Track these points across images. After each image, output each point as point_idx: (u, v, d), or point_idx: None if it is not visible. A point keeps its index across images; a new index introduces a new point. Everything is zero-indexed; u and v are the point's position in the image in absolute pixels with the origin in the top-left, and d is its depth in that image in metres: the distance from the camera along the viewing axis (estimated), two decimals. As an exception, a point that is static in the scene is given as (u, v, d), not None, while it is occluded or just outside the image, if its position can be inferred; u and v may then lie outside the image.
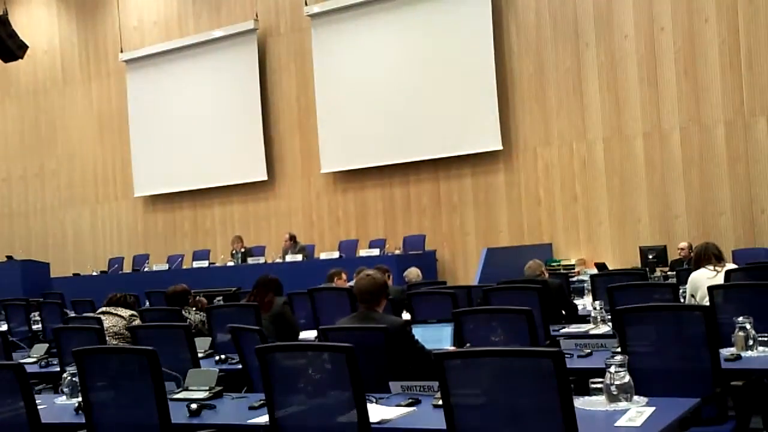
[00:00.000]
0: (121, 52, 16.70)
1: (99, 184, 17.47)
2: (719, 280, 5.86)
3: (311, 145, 14.65)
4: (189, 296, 7.08)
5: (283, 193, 15.15)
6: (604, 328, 5.79)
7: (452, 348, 4.69)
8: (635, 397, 3.36)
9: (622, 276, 7.82)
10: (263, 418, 3.58)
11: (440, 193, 13.65)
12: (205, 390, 4.22)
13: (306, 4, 14.56)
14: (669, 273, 10.12)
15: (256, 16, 15.20)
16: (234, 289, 11.20)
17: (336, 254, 12.61)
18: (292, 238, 13.19)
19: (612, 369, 3.36)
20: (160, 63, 16.25)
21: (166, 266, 14.28)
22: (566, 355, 4.11)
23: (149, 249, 16.11)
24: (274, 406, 3.42)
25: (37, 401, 3.74)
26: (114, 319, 6.50)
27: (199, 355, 5.40)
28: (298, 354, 3.57)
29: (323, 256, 12.83)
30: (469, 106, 13.10)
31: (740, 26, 11.44)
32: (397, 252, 12.67)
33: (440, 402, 3.12)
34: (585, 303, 7.46)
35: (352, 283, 7.35)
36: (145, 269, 14.54)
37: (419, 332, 4.58)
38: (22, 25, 16.07)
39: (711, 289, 5.35)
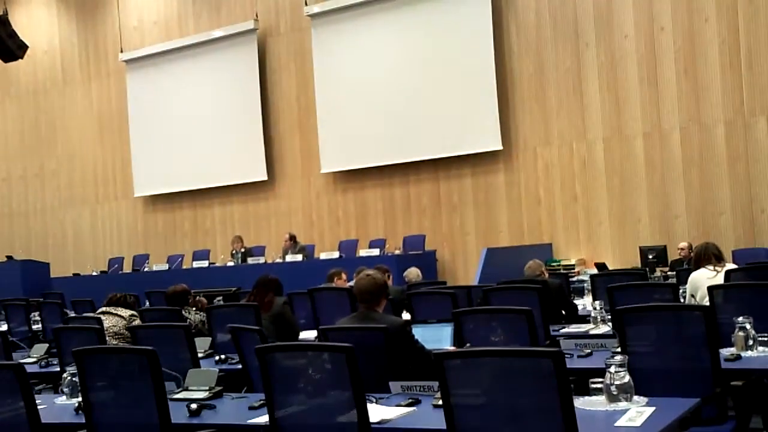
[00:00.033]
0: (121, 52, 16.70)
1: (99, 184, 17.47)
2: (719, 280, 5.86)
3: (311, 145, 14.65)
4: (189, 296, 7.09)
5: (283, 193, 15.15)
6: (604, 328, 5.79)
7: (452, 348, 4.69)
8: (635, 397, 3.35)
9: (622, 276, 7.82)
10: (263, 418, 3.58)
11: (440, 193, 13.65)
12: (205, 390, 4.21)
13: (306, 4, 14.56)
14: (669, 273, 10.12)
15: (256, 16, 15.20)
16: (234, 289, 11.18)
17: (336, 254, 12.61)
18: (292, 238, 13.19)
19: (612, 369, 3.36)
20: (160, 63, 16.25)
21: (166, 266, 14.28)
22: (566, 355, 4.11)
23: (149, 249, 16.11)
24: (274, 406, 3.42)
25: (37, 401, 3.73)
26: (114, 319, 6.51)
27: (199, 355, 5.40)
28: (298, 354, 3.57)
29: (323, 256, 12.83)
30: (469, 106, 13.09)
31: (740, 26, 11.44)
32: (397, 252, 12.66)
33: (440, 402, 3.12)
34: (585, 303, 7.45)
35: (352, 283, 7.34)
36: (145, 269, 14.54)
37: (419, 332, 4.58)
38: (22, 25, 16.08)
39: (711, 289, 5.34)
